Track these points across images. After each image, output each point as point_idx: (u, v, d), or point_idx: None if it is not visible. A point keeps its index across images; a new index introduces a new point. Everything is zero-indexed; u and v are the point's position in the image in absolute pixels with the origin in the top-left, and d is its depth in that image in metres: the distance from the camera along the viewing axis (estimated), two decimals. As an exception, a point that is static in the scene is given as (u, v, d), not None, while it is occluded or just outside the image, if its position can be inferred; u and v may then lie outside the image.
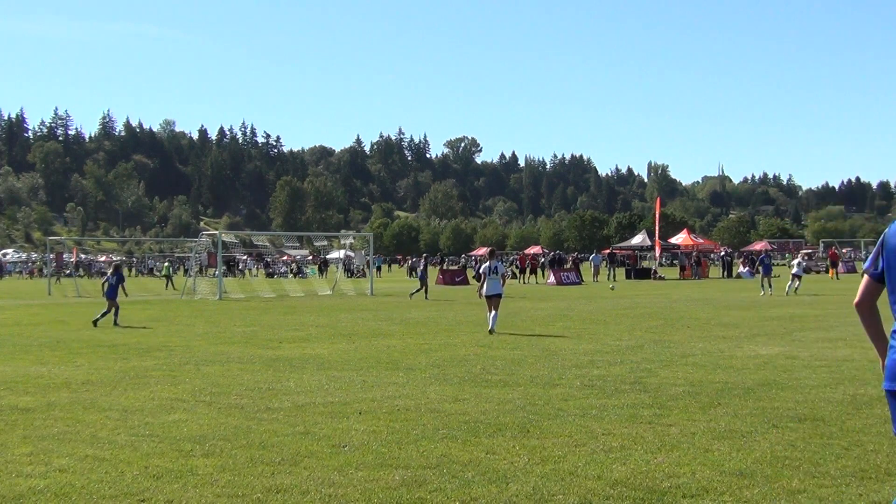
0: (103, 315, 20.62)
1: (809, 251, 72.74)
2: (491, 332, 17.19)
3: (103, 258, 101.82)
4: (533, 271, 49.20)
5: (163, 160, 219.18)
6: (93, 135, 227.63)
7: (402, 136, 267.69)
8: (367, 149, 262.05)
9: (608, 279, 49.20)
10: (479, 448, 7.20)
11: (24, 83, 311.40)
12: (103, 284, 22.21)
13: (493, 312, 17.38)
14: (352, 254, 72.10)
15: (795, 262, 34.82)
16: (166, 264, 53.28)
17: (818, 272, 59.44)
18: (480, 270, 18.63)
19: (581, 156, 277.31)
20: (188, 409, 9.14)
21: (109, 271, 22.45)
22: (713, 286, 39.52)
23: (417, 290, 31.78)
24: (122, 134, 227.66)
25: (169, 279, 47.31)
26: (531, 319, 20.80)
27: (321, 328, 19.39)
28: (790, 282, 32.41)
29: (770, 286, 31.65)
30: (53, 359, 13.88)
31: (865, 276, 4.02)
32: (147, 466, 6.72)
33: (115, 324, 20.38)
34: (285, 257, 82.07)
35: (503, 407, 9.04)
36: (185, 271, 50.83)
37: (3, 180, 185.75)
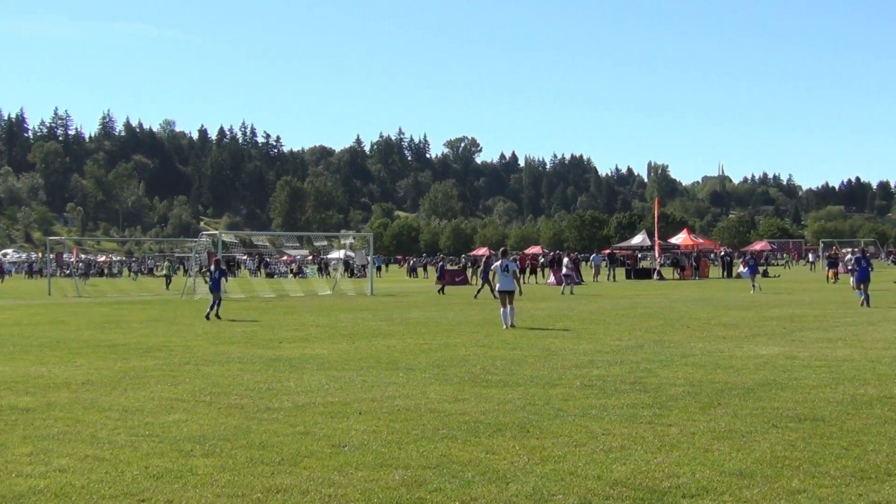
0: (214, 308, 22.19)
1: (868, 247, 73.18)
2: (512, 326, 18.48)
3: (103, 258, 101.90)
4: (533, 271, 49.14)
5: (163, 160, 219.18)
6: (93, 135, 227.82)
7: (402, 136, 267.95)
8: (367, 149, 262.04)
9: (608, 279, 49.19)
10: (479, 448, 7.20)
11: (24, 83, 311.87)
12: (205, 277, 23.61)
13: (509, 307, 18.70)
14: (352, 254, 72.05)
15: (846, 258, 38.06)
16: (166, 264, 53.19)
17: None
18: (492, 268, 19.93)
19: (581, 156, 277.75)
20: (188, 409, 9.14)
21: (212, 266, 24.22)
22: (713, 286, 39.52)
23: (480, 290, 32.14)
24: (122, 134, 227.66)
25: (169, 279, 47.27)
26: (531, 319, 20.79)
27: (321, 328, 19.39)
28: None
29: (756, 284, 33.62)
30: (53, 359, 13.89)
31: None
32: (147, 466, 6.72)
33: (217, 316, 22.01)
34: (285, 257, 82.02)
35: (503, 407, 9.04)
36: (185, 271, 50.75)
37: (3, 180, 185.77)
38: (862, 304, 23.65)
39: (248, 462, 6.83)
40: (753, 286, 33.32)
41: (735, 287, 38.55)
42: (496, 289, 19.08)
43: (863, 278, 24.30)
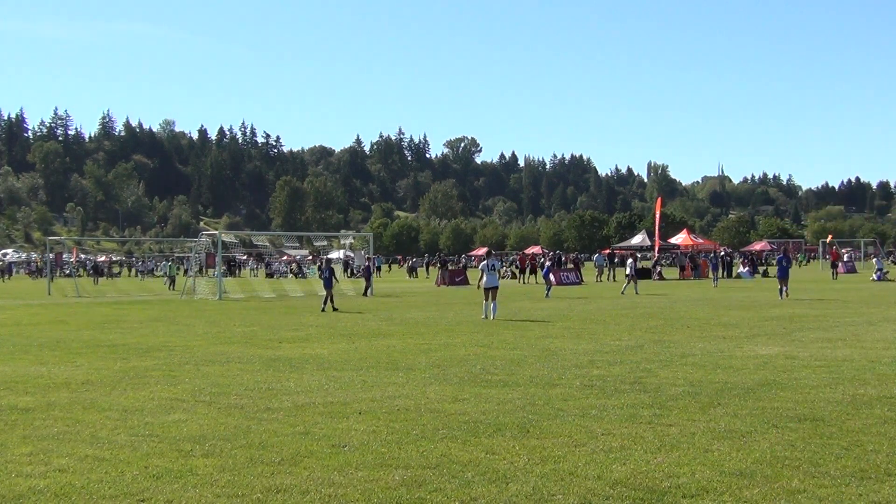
0: (328, 302, 25.15)
1: (868, 248, 74.59)
2: (486, 318, 20.69)
3: (103, 258, 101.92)
4: (533, 271, 49.15)
5: (163, 160, 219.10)
6: (93, 135, 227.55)
7: (401, 136, 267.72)
8: (367, 149, 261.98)
9: (608, 279, 49.22)
10: (479, 448, 7.20)
11: (24, 83, 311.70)
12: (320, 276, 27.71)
13: (493, 303, 20.99)
14: (351, 254, 72.04)
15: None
16: (169, 265, 52.80)
17: None
18: (480, 267, 21.88)
19: (581, 156, 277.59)
20: (188, 409, 9.14)
21: (322, 266, 28.86)
22: (713, 286, 39.51)
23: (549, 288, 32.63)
24: (122, 134, 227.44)
25: (172, 280, 46.97)
26: (531, 319, 20.80)
27: (321, 328, 19.39)
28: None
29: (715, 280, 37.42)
30: (53, 359, 13.89)
31: None
32: (147, 466, 6.72)
33: (335, 309, 24.82)
34: (285, 257, 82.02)
35: (503, 407, 9.04)
36: (185, 272, 50.62)
37: (3, 180, 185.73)
38: (781, 297, 27.63)
39: (248, 462, 6.83)
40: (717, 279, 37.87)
41: (735, 287, 38.58)
42: (482, 285, 21.38)
43: (783, 276, 28.58)
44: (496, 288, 21.21)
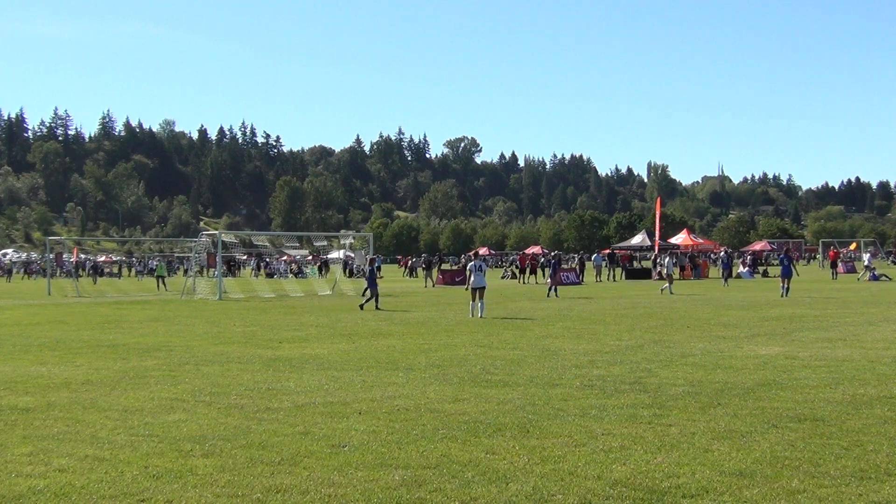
0: (367, 301, 25.44)
1: (869, 248, 74.90)
2: (474, 316, 21.29)
3: (103, 258, 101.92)
4: (533, 271, 49.16)
5: (163, 160, 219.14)
6: (93, 135, 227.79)
7: (401, 136, 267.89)
8: (366, 149, 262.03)
9: (608, 279, 49.21)
10: (479, 448, 7.20)
11: (24, 83, 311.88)
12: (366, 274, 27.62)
13: (480, 302, 21.67)
14: (352, 254, 71.96)
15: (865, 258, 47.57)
16: (159, 263, 51.36)
17: None
18: (467, 268, 22.69)
19: (581, 156, 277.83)
20: (188, 409, 9.14)
21: (366, 264, 28.67)
22: (713, 286, 39.52)
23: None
24: (122, 134, 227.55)
25: (162, 279, 45.41)
26: (531, 319, 20.79)
27: (321, 328, 19.39)
28: None
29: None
30: (53, 359, 13.88)
31: None
32: (147, 466, 6.72)
33: (378, 308, 24.94)
34: (285, 257, 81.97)
35: (503, 407, 9.04)
36: (185, 271, 50.27)
37: (3, 180, 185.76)
38: (782, 296, 28.60)
39: (248, 462, 6.83)
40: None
41: (735, 287, 38.56)
42: (470, 285, 22.06)
43: (785, 274, 29.74)
44: (483, 288, 21.87)
